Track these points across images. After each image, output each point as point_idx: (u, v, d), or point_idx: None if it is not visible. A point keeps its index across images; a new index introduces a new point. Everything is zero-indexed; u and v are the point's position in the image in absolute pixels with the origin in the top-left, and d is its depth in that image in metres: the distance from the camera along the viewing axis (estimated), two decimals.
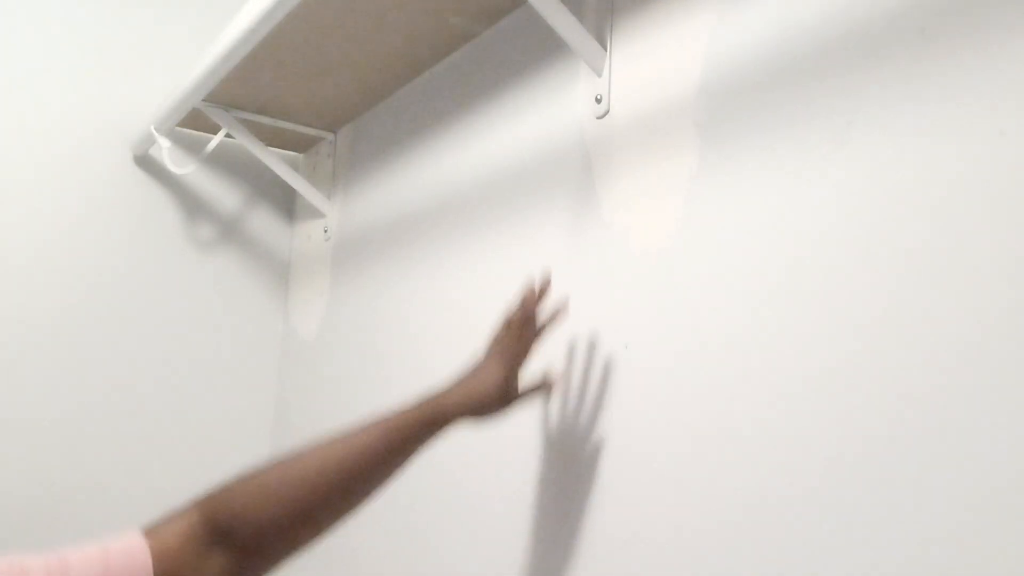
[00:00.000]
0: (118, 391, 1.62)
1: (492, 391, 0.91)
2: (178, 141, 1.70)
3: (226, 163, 1.76)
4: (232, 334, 1.74)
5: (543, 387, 0.98)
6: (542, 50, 1.13)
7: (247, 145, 1.60)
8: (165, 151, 1.55)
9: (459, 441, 1.19)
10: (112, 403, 1.61)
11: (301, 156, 1.82)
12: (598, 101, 1.01)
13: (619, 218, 0.97)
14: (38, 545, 1.62)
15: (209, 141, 1.66)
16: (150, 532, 0.71)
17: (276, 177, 1.80)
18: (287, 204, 1.83)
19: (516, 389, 0.94)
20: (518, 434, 1.07)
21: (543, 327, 0.96)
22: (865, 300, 0.70)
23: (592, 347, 0.98)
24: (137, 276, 1.65)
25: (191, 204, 1.72)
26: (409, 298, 1.36)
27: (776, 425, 0.76)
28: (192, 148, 1.72)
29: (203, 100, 1.52)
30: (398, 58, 1.35)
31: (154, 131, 1.52)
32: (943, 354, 0.64)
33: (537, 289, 0.95)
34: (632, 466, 0.90)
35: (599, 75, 1.02)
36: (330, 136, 1.69)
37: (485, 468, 1.13)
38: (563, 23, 0.98)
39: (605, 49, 1.01)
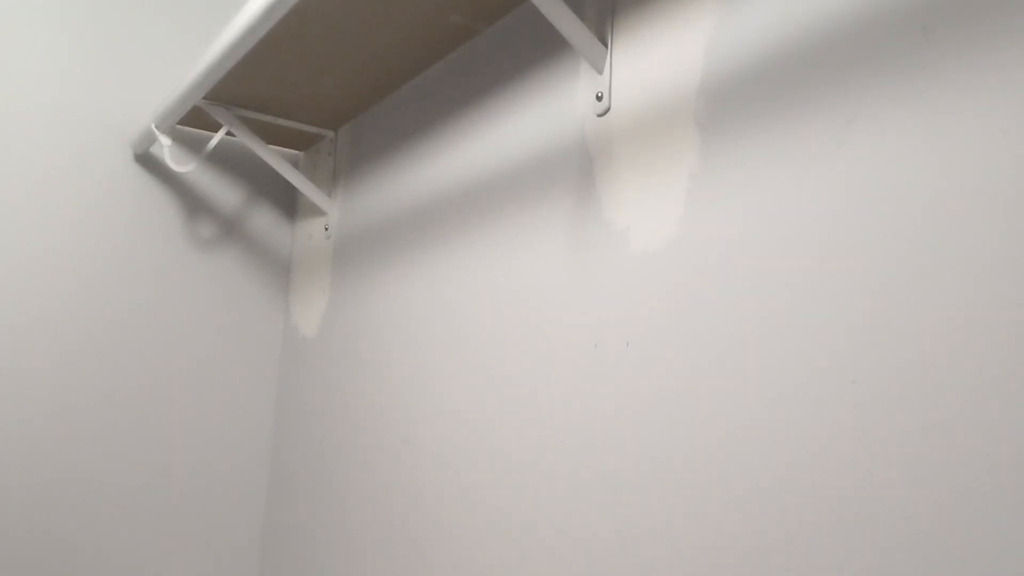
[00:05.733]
0: (118, 389, 1.62)
1: None
2: (179, 139, 1.70)
3: (227, 161, 1.76)
4: (233, 332, 1.74)
5: None
6: (543, 48, 1.13)
7: (248, 143, 1.59)
8: (166, 149, 1.55)
9: (462, 441, 1.19)
10: (112, 401, 1.61)
11: (302, 154, 1.82)
12: (599, 99, 1.01)
13: (619, 216, 0.97)
14: (37, 543, 1.62)
15: (210, 139, 1.65)
16: None
17: (277, 175, 1.80)
18: (288, 202, 1.83)
19: None
20: (521, 433, 1.07)
21: None
22: (866, 299, 0.70)
23: (593, 345, 0.97)
24: (137, 274, 1.65)
25: (192, 202, 1.72)
26: (410, 296, 1.36)
27: (777, 423, 0.75)
28: (193, 146, 1.72)
29: (204, 98, 1.52)
30: (399, 56, 1.35)
31: (155, 129, 1.52)
32: (945, 352, 0.64)
33: None
34: (633, 464, 0.90)
35: (600, 73, 1.01)
36: (331, 134, 1.69)
37: (488, 468, 1.13)
38: (564, 21, 0.98)
39: (606, 47, 1.01)
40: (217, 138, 1.60)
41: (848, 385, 0.70)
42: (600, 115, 1.01)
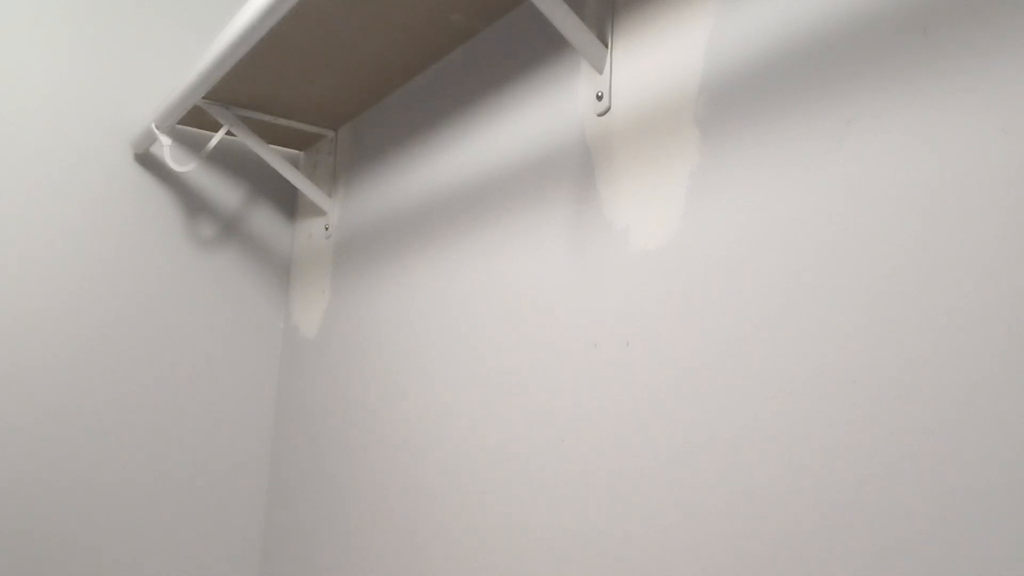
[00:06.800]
0: (118, 389, 1.62)
1: None
2: (179, 139, 1.70)
3: (227, 161, 1.76)
4: (233, 332, 1.74)
5: None
6: (543, 47, 1.13)
7: (248, 143, 1.59)
8: (166, 149, 1.55)
9: (462, 440, 1.19)
10: (112, 401, 1.61)
11: (302, 154, 1.82)
12: (599, 98, 1.01)
13: (620, 216, 0.97)
14: (37, 543, 1.62)
15: (210, 139, 1.65)
16: None
17: (277, 175, 1.80)
18: (288, 202, 1.83)
19: None
20: (521, 433, 1.07)
21: None
22: (866, 298, 0.70)
23: (593, 345, 0.97)
24: (138, 274, 1.65)
25: (192, 202, 1.72)
26: (410, 296, 1.36)
27: (777, 423, 0.75)
28: (193, 146, 1.72)
29: (204, 97, 1.51)
30: (399, 55, 1.35)
31: (155, 129, 1.52)
32: (945, 352, 0.64)
33: None
34: (633, 464, 0.90)
35: (600, 72, 1.01)
36: (331, 133, 1.69)
37: (488, 467, 1.13)
38: (564, 20, 0.98)
39: (606, 46, 1.01)
40: (217, 138, 1.60)
41: (848, 385, 0.70)
42: (600, 115, 1.01)
